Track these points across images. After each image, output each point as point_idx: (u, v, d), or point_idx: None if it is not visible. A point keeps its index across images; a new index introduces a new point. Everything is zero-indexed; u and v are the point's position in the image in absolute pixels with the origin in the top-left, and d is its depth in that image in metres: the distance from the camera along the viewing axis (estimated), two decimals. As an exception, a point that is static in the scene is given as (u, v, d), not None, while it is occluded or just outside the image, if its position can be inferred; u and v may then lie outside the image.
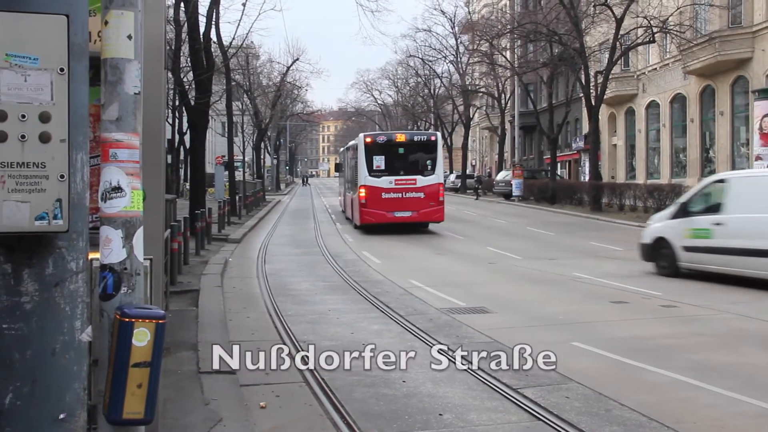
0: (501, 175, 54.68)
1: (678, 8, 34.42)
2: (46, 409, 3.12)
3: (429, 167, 27.13)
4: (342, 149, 40.86)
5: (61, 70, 3.09)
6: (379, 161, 26.89)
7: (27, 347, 3.09)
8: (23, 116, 3.04)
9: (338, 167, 39.13)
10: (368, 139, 27.59)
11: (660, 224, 16.68)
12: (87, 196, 3.31)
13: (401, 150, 27.51)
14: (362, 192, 26.73)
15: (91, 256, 3.43)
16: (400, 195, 26.41)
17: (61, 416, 3.14)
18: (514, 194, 47.37)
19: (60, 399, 3.15)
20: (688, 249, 15.37)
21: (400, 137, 28.45)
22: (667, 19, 34.37)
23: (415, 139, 28.53)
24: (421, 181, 26.59)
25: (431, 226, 27.88)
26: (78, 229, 3.22)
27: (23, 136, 3.04)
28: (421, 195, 26.46)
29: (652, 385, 7.84)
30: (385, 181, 26.50)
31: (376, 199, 26.39)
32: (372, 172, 26.73)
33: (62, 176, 3.09)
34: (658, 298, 12.67)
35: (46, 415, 3.12)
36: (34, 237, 3.10)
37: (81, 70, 3.25)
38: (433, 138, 28.18)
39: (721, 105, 35.82)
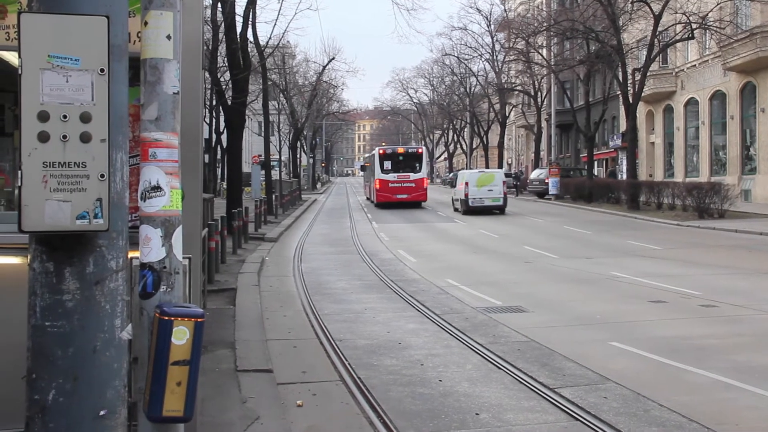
0: (535, 174, 54.34)
1: (718, 4, 33.90)
2: (87, 405, 3.16)
3: (417, 168, 43.08)
4: (366, 155, 59.20)
5: (102, 70, 3.12)
6: (387, 164, 42.93)
7: (69, 344, 3.13)
8: (65, 116, 3.07)
9: (363, 168, 59.46)
10: (381, 151, 44.67)
11: (452, 190, 40.73)
12: (126, 195, 3.35)
13: (401, 157, 43.58)
14: (377, 183, 43.02)
15: (131, 254, 3.47)
16: (400, 184, 42.22)
17: (102, 413, 3.18)
18: (550, 192, 47.03)
19: (101, 396, 3.18)
20: (453, 201, 38.82)
21: (400, 150, 45.42)
22: (707, 14, 33.87)
23: (409, 150, 45.25)
24: (413, 176, 42.60)
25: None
26: (118, 228, 3.25)
27: (65, 136, 3.07)
28: (413, 185, 42.42)
29: (691, 385, 7.73)
30: (392, 176, 42.40)
31: (385, 187, 42.45)
32: (383, 171, 42.75)
33: (102, 176, 3.13)
34: (697, 298, 12.49)
35: (88, 411, 3.16)
36: (75, 236, 3.14)
37: (121, 71, 3.29)
38: (419, 150, 45.27)
39: (763, 102, 35.23)
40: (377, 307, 12.42)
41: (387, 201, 41.74)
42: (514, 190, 55.35)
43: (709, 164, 41.03)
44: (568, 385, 7.67)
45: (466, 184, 35.72)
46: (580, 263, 17.55)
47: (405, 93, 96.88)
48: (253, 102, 43.66)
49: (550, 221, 31.21)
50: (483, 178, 36.16)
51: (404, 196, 41.70)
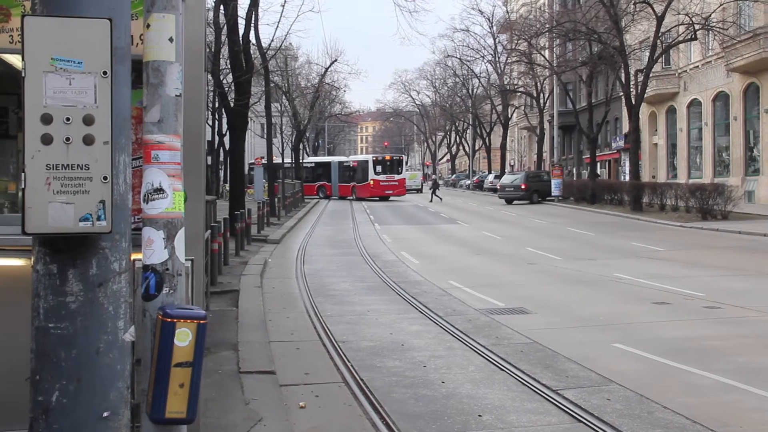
0: (507, 179, 50.31)
1: (721, 4, 33.87)
2: (90, 407, 3.16)
3: (400, 170, 58.05)
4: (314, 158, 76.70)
5: (104, 73, 3.13)
6: (378, 168, 57.20)
7: (72, 346, 3.13)
8: (68, 119, 3.08)
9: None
10: (374, 158, 59.14)
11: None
12: (129, 197, 3.35)
13: (388, 163, 57.98)
14: (371, 182, 56.69)
15: (134, 256, 3.47)
16: (387, 183, 57.16)
17: (105, 414, 3.18)
18: (553, 194, 46.95)
19: (104, 397, 3.19)
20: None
21: (387, 157, 59.30)
22: (710, 15, 33.83)
23: (394, 157, 59.62)
24: (396, 177, 57.64)
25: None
26: (121, 230, 3.25)
27: (68, 139, 3.08)
28: (396, 183, 57.76)
29: (695, 387, 7.72)
30: (382, 177, 56.94)
31: (377, 185, 56.81)
32: (375, 172, 56.97)
33: (105, 178, 3.13)
34: (700, 299, 12.48)
35: (91, 413, 3.16)
36: (79, 238, 3.14)
37: (123, 73, 3.29)
38: (401, 157, 60.98)
39: (766, 102, 35.20)
40: (380, 308, 12.42)
41: (377, 195, 56.44)
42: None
43: (712, 165, 41.00)
44: (571, 387, 7.67)
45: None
46: (583, 265, 17.54)
47: (407, 95, 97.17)
48: (255, 104, 43.65)
49: (552, 223, 31.20)
50: (412, 176, 70.40)
51: (390, 192, 57.31)
